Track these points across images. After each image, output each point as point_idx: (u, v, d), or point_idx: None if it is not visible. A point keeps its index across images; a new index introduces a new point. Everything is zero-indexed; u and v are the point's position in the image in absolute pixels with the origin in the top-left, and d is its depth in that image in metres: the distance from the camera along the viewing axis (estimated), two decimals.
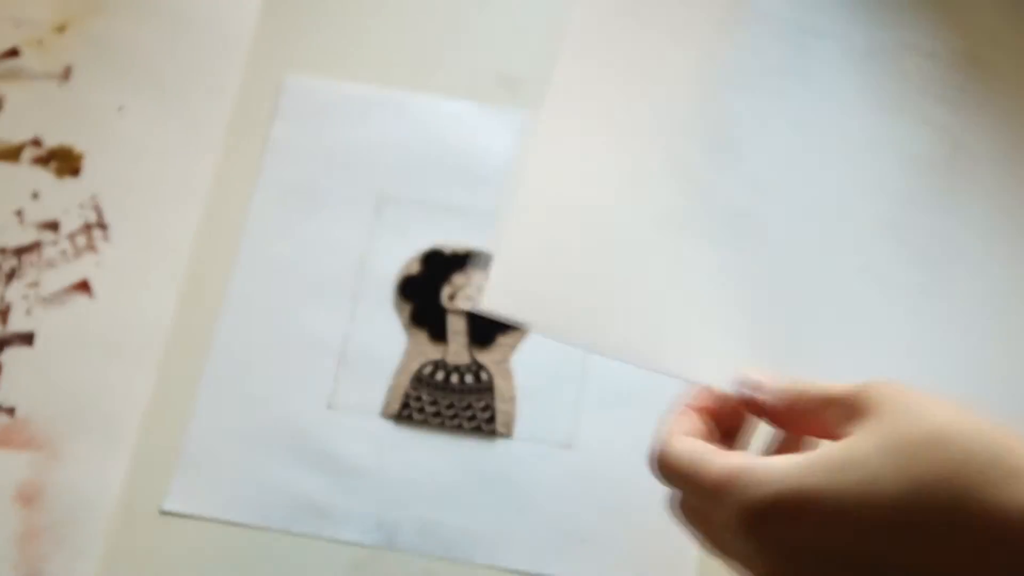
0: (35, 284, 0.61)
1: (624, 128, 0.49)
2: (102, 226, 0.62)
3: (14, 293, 0.61)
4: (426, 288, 0.61)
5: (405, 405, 0.58)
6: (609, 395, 0.58)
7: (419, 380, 0.59)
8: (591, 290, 0.46)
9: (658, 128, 0.49)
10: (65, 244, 0.62)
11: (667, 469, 0.38)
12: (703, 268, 0.47)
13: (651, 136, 0.49)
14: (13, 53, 0.66)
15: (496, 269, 0.46)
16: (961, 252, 0.49)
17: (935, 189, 0.49)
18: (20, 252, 0.61)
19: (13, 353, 0.59)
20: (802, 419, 0.39)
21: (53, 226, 0.62)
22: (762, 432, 0.42)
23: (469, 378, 0.59)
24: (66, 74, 0.66)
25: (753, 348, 0.46)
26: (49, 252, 0.62)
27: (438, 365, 0.59)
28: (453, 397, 0.58)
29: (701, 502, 0.37)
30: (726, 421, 0.41)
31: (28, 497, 0.56)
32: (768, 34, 0.51)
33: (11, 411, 0.58)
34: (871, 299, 0.48)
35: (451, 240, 0.61)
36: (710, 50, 0.51)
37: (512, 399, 0.58)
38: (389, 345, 0.59)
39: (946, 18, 0.52)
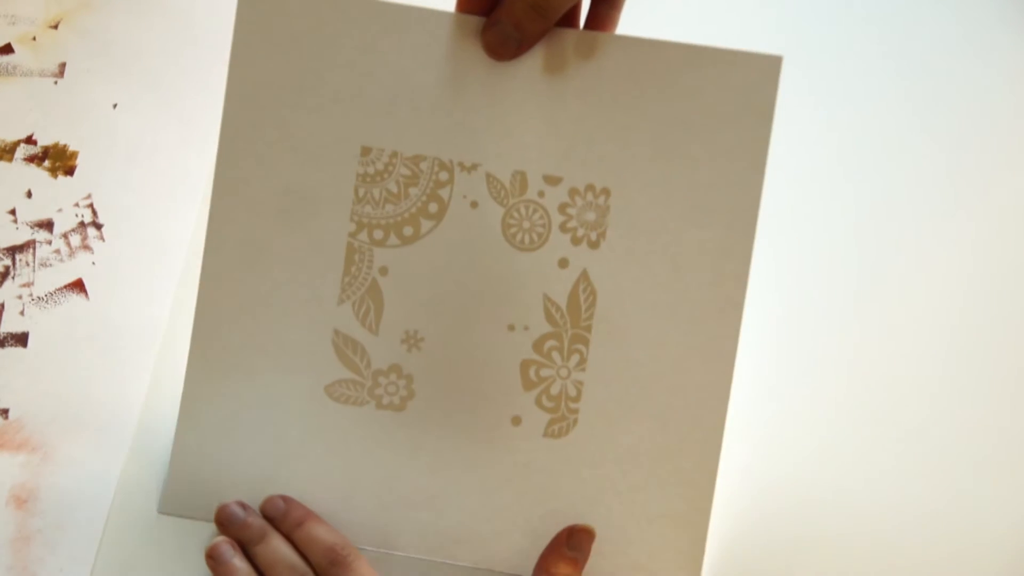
0: (29, 284, 0.60)
1: (280, 309, 0.55)
2: (97, 225, 0.62)
3: (8, 293, 0.60)
4: None
5: None
6: None
7: None
8: (261, 473, 0.55)
9: (314, 307, 0.55)
10: (59, 243, 0.61)
11: None
12: (366, 433, 0.55)
13: (309, 314, 0.55)
14: (6, 50, 0.65)
15: (175, 473, 0.55)
16: None
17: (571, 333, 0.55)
18: (13, 252, 0.61)
19: (7, 354, 0.58)
20: None
21: (47, 225, 0.61)
22: None
23: None
24: (60, 71, 0.65)
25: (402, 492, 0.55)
26: (43, 252, 0.61)
27: None
28: None
29: None
30: None
31: (22, 500, 0.55)
32: (403, 179, 0.54)
33: (5, 412, 0.57)
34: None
35: None
36: (346, 214, 0.55)
37: None
38: None
39: (583, 153, 0.54)
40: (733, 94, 0.52)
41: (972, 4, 0.68)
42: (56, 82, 0.65)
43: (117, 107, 0.64)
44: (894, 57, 0.67)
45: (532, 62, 0.53)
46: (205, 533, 0.55)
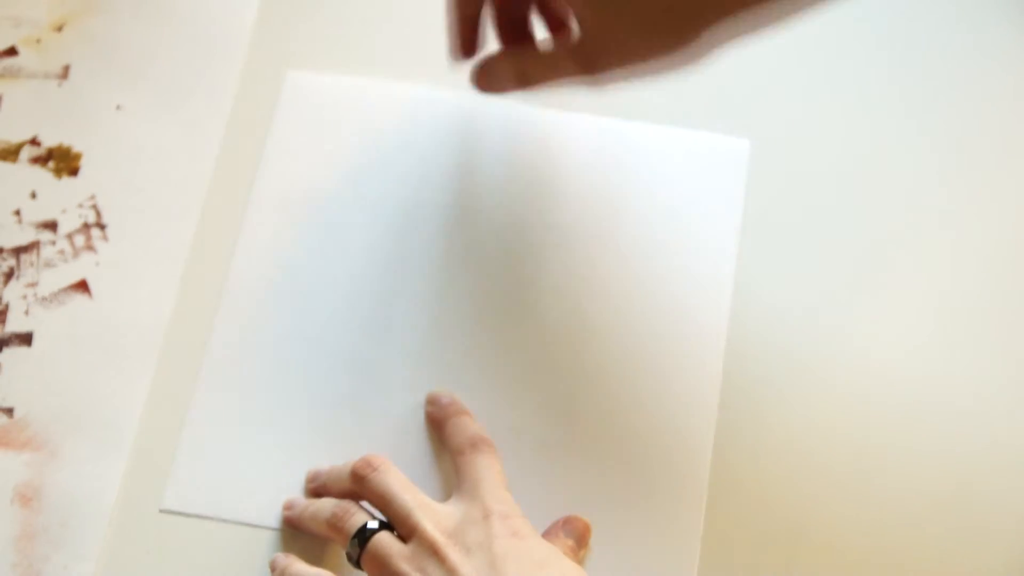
0: (33, 284, 0.61)
1: (296, 332, 0.58)
2: (100, 226, 0.62)
3: (12, 293, 0.60)
4: None
5: None
6: None
7: None
8: (265, 473, 0.56)
9: (333, 327, 0.58)
10: (63, 244, 0.61)
11: None
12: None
13: (323, 334, 0.58)
14: (11, 52, 0.66)
15: (177, 471, 0.56)
16: None
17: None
18: (18, 252, 0.61)
19: (11, 353, 0.59)
20: None
21: (51, 226, 0.62)
22: None
23: None
24: (64, 73, 0.66)
25: None
26: (47, 252, 0.61)
27: None
28: None
29: None
30: None
31: (26, 498, 0.55)
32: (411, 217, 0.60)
33: (9, 411, 0.57)
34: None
35: None
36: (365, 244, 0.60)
37: None
38: None
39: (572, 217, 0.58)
40: (705, 175, 0.59)
41: (973, 2, 0.68)
42: (60, 84, 0.65)
43: (121, 109, 0.65)
44: (893, 55, 0.67)
45: (520, 146, 0.60)
46: (207, 531, 0.55)
